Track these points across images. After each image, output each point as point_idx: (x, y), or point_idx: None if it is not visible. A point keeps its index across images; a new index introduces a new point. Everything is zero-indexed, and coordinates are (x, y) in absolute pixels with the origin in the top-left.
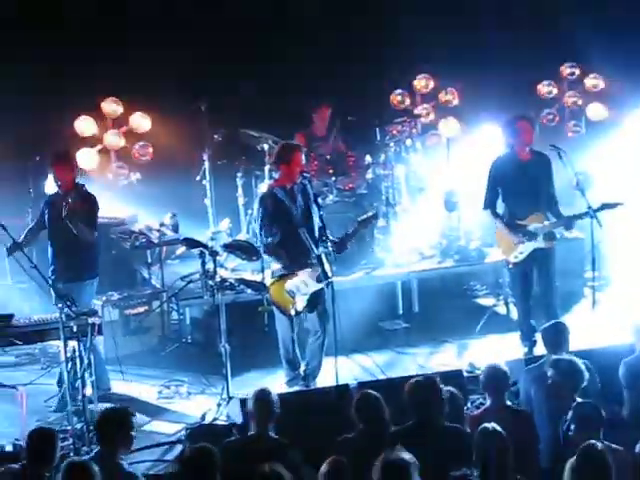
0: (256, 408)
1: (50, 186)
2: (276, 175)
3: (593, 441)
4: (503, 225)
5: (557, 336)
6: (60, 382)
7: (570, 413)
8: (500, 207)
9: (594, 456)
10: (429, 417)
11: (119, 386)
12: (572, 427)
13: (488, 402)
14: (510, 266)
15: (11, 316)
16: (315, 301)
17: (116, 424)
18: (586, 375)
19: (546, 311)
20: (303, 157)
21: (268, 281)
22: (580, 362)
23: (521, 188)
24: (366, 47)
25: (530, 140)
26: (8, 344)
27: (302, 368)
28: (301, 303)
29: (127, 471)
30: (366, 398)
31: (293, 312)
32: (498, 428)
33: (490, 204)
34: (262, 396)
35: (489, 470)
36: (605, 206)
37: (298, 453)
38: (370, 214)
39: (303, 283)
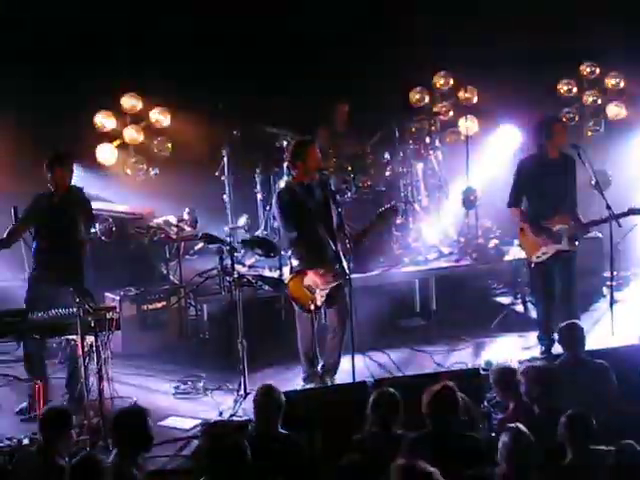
0: (261, 405)
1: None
2: (294, 172)
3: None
4: (528, 224)
5: (572, 336)
6: (69, 384)
7: (562, 420)
8: (524, 206)
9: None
10: (446, 426)
11: (135, 381)
12: (560, 433)
13: (510, 405)
14: (532, 265)
15: (28, 310)
16: (334, 297)
17: (129, 426)
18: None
19: (566, 311)
20: (318, 152)
21: (287, 277)
22: (553, 368)
23: (548, 189)
24: (385, 45)
25: (563, 142)
26: (28, 337)
27: (320, 365)
28: (320, 299)
29: None
30: (383, 396)
31: (312, 307)
32: (523, 428)
33: (515, 202)
34: (267, 393)
35: (517, 470)
36: (631, 211)
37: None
38: (388, 206)
39: (322, 279)
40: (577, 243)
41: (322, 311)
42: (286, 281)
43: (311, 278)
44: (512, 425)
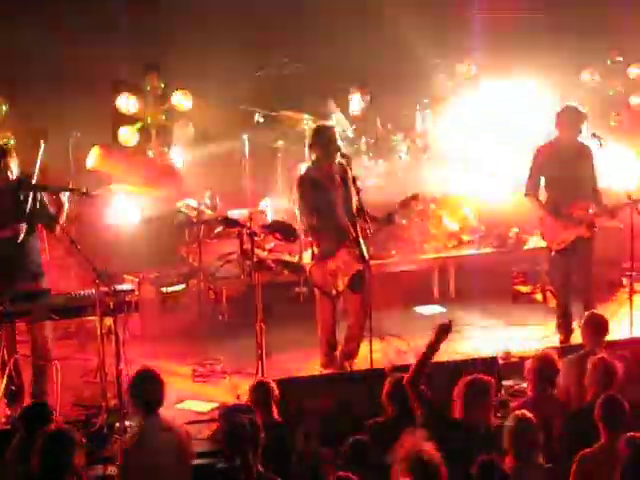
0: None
1: (91, 162)
2: (314, 157)
3: None
4: (546, 211)
5: (595, 326)
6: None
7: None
8: (542, 194)
9: None
10: (476, 417)
11: (153, 364)
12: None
13: (529, 391)
14: (552, 253)
15: (48, 291)
16: (356, 283)
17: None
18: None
19: (583, 300)
20: (338, 137)
21: (309, 262)
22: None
23: (565, 175)
24: (404, 29)
25: (579, 132)
26: (45, 319)
27: (339, 350)
28: (342, 284)
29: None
30: (399, 382)
31: (334, 293)
32: (529, 415)
33: (532, 190)
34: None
35: (520, 456)
36: None
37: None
38: (410, 195)
39: (344, 264)
40: (595, 230)
41: (343, 296)
42: (308, 266)
43: (334, 263)
44: (518, 412)
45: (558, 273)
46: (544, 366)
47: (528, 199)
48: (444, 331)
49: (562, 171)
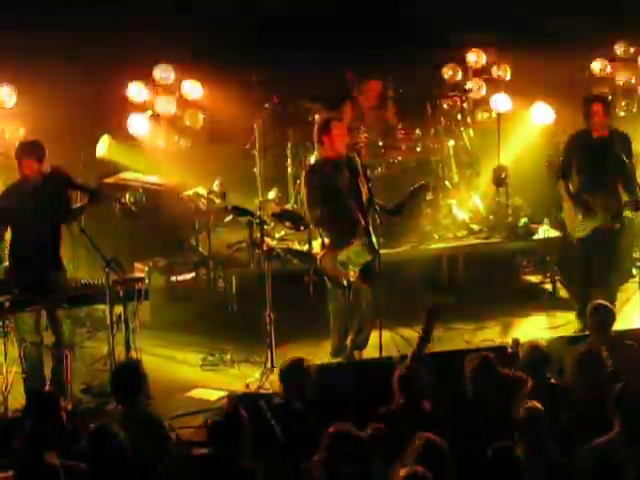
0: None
1: (101, 150)
2: (323, 147)
3: None
4: (569, 197)
5: (601, 316)
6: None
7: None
8: (575, 181)
9: None
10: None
11: (163, 352)
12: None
13: (529, 382)
14: (574, 241)
15: (59, 279)
16: (366, 272)
17: (131, 374)
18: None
19: (602, 293)
20: (344, 127)
21: (318, 251)
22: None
23: (592, 165)
24: (418, 21)
25: (602, 122)
26: (56, 307)
27: (349, 339)
28: (354, 274)
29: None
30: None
31: (345, 283)
32: (539, 406)
33: (563, 175)
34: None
35: (531, 445)
36: None
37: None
38: (421, 184)
39: (355, 254)
40: (618, 222)
41: (354, 286)
42: (319, 257)
43: (344, 254)
44: (530, 403)
45: (578, 261)
46: (534, 356)
47: (558, 182)
48: (433, 315)
49: (588, 160)
